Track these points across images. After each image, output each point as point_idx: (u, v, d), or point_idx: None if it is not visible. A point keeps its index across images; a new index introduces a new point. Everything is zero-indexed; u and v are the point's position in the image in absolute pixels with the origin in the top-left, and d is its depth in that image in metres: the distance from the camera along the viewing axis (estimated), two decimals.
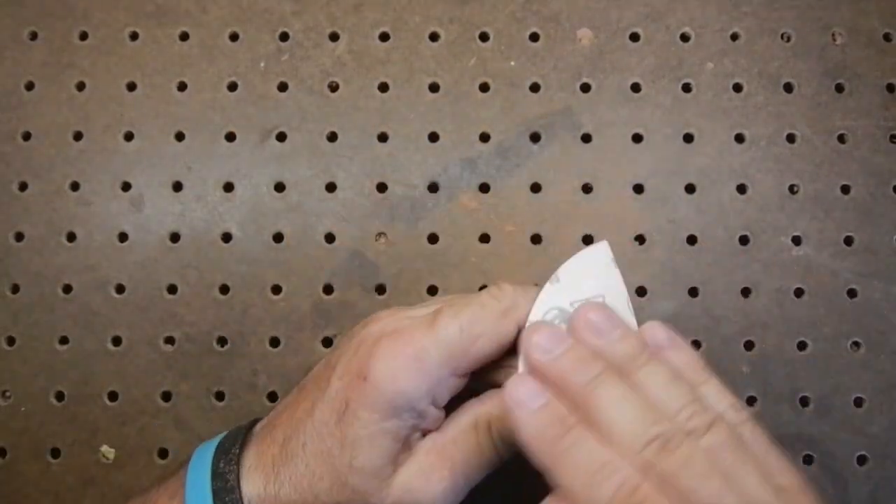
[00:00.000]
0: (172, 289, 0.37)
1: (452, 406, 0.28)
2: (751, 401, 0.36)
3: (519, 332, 0.27)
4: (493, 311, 0.27)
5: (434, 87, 0.38)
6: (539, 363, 0.25)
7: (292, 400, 0.29)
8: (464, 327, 0.26)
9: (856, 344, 0.36)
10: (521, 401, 0.24)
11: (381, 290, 0.36)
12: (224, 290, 0.37)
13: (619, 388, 0.24)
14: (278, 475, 0.27)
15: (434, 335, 0.26)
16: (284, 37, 0.38)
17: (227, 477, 0.27)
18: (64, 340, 0.37)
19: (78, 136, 0.38)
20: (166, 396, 0.36)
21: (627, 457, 0.22)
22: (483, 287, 0.36)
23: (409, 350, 0.26)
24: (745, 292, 0.36)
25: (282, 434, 0.27)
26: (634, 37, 0.38)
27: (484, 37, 0.38)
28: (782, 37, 0.38)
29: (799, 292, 0.36)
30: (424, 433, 0.27)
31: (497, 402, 0.27)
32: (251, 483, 0.27)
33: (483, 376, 0.28)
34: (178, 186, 0.38)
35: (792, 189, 0.37)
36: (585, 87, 0.38)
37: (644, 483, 0.22)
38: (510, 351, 0.28)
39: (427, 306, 0.29)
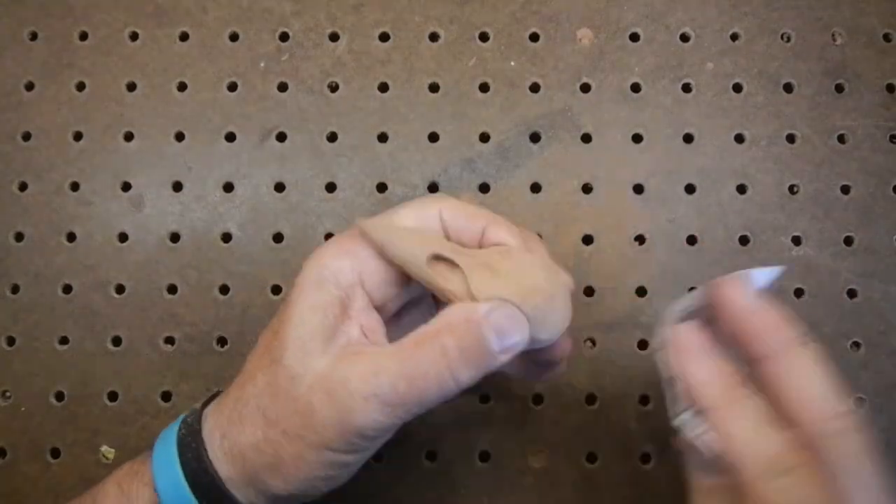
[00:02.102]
0: (172, 289, 0.37)
1: None
2: None
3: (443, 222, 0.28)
4: (415, 201, 0.28)
5: (434, 87, 0.38)
6: (735, 315, 0.25)
7: None
8: (386, 213, 0.28)
9: (856, 344, 0.36)
10: (698, 343, 0.26)
11: None
12: (224, 290, 0.37)
13: (810, 358, 0.24)
14: (228, 391, 0.28)
15: (359, 224, 0.27)
16: (284, 37, 0.38)
17: (188, 420, 0.28)
18: (64, 340, 0.37)
19: (78, 136, 0.38)
20: (166, 396, 0.36)
21: (811, 422, 0.23)
22: None
23: (334, 239, 0.28)
24: None
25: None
26: (634, 37, 0.38)
27: (484, 37, 0.38)
28: (782, 37, 0.38)
29: (799, 292, 0.36)
30: (364, 331, 0.27)
31: (438, 323, 0.25)
32: (209, 413, 0.28)
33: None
34: (178, 186, 0.38)
35: (792, 189, 0.37)
36: (585, 87, 0.38)
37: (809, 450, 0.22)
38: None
39: None
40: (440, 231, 0.28)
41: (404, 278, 0.28)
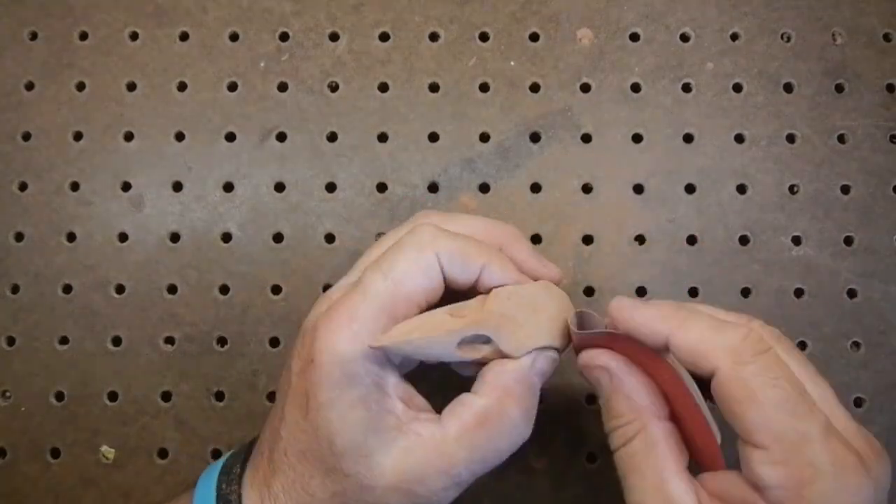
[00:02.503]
0: (172, 289, 0.37)
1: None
2: None
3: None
4: (411, 248, 0.26)
5: (434, 87, 0.38)
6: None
7: (271, 412, 0.28)
8: (385, 272, 0.26)
9: (856, 344, 0.36)
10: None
11: None
12: (224, 290, 0.37)
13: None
14: (271, 488, 0.26)
15: (361, 292, 0.26)
16: (284, 37, 0.38)
17: (228, 498, 0.27)
18: (64, 340, 0.37)
19: (78, 136, 0.38)
20: (166, 396, 0.36)
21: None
22: None
23: (342, 316, 0.25)
24: (745, 292, 0.36)
25: (267, 447, 0.27)
26: (634, 37, 0.38)
27: (484, 37, 0.38)
28: (782, 37, 0.38)
29: (799, 292, 0.36)
30: (404, 402, 0.27)
31: (494, 393, 0.26)
32: (250, 501, 0.27)
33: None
34: (178, 186, 0.38)
35: (792, 189, 0.37)
36: (585, 87, 0.38)
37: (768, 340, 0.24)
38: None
39: (356, 270, 0.28)
40: (440, 277, 0.27)
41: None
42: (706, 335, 0.24)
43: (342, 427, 0.25)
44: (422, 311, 0.27)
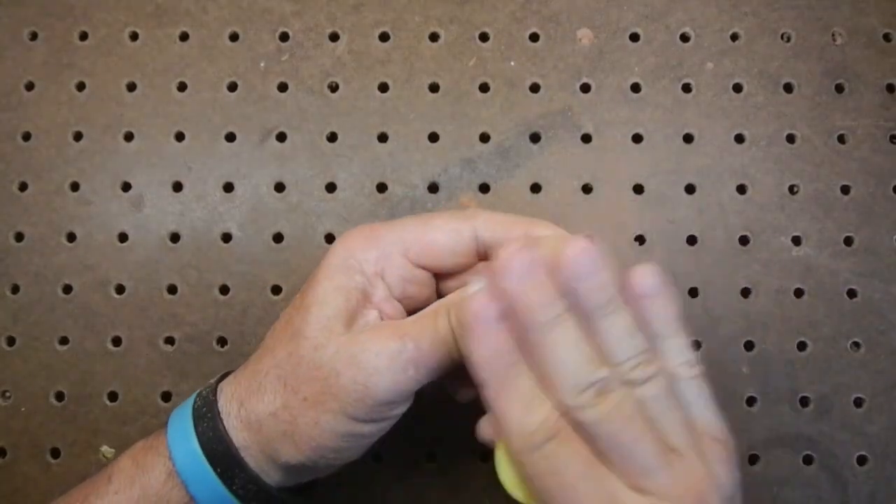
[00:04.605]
0: (172, 289, 0.37)
1: None
2: (751, 401, 0.36)
3: (476, 245, 0.29)
4: (451, 213, 0.29)
5: (434, 87, 0.38)
6: (508, 288, 0.25)
7: None
8: (421, 217, 0.29)
9: (856, 344, 0.36)
10: (484, 317, 0.25)
11: None
12: (224, 290, 0.37)
13: (572, 333, 0.24)
14: (247, 365, 0.29)
15: (392, 221, 0.29)
16: (284, 37, 0.38)
17: (203, 394, 0.29)
18: (64, 340, 0.37)
19: (78, 136, 0.38)
20: (166, 396, 0.36)
21: (563, 398, 0.24)
22: None
23: (368, 227, 0.29)
24: (745, 292, 0.36)
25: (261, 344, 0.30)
26: (634, 37, 0.38)
27: (484, 37, 0.38)
28: (782, 37, 0.38)
29: (799, 292, 0.36)
30: (383, 315, 0.28)
31: (460, 297, 0.27)
32: (225, 385, 0.29)
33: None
34: (178, 186, 0.38)
35: (792, 189, 0.37)
36: (585, 87, 0.38)
37: (564, 419, 0.24)
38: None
39: None
40: (473, 248, 0.29)
41: (427, 280, 0.29)
42: (515, 413, 0.25)
43: (320, 301, 0.27)
44: (440, 267, 0.29)
